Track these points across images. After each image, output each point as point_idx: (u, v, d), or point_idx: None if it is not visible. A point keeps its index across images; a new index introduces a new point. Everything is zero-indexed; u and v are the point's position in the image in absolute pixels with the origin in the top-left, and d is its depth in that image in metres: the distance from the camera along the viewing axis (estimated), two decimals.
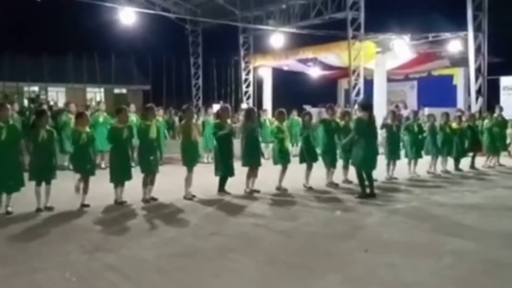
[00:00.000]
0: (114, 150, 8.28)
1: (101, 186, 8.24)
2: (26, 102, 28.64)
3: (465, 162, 12.80)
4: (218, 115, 9.50)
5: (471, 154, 13.01)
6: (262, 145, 12.16)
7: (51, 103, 27.07)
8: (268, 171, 9.69)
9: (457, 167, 12.50)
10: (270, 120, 15.31)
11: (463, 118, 13.13)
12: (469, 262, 5.36)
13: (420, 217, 7.57)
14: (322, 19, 21.44)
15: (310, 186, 9.74)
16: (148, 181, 8.33)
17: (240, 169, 9.18)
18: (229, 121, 9.56)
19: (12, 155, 7.28)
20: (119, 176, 8.07)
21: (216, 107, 20.04)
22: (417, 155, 11.64)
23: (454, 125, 12.49)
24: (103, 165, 11.38)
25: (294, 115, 16.11)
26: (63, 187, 7.83)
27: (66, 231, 6.55)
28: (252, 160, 9.22)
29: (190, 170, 8.66)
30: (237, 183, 9.12)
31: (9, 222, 6.89)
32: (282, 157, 9.58)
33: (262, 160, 9.68)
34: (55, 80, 32.04)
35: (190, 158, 8.68)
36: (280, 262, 5.34)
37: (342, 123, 10.44)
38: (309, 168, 9.86)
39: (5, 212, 7.20)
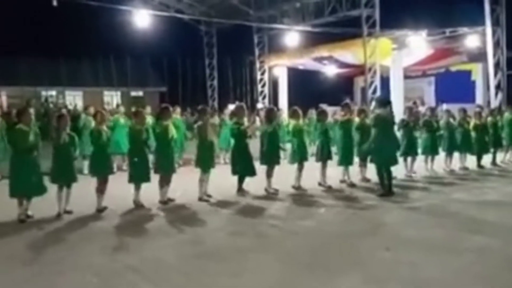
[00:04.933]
0: (132, 152, 8.33)
1: (119, 187, 8.28)
2: (51, 106, 28.94)
3: (486, 159, 12.60)
4: (234, 114, 9.50)
5: (492, 150, 12.79)
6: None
7: (69, 106, 27.36)
8: (285, 170, 9.65)
9: (479, 164, 12.32)
10: (286, 120, 15.24)
11: (483, 114, 12.93)
12: (491, 259, 5.27)
13: (440, 214, 7.47)
14: (336, 16, 21.33)
15: (329, 185, 9.69)
16: (164, 182, 8.36)
17: (257, 169, 9.15)
18: (245, 119, 9.55)
19: (34, 160, 7.34)
20: (138, 178, 8.11)
21: (231, 107, 20.09)
22: (434, 152, 11.51)
23: (474, 121, 12.32)
24: (124, 167, 11.41)
25: (313, 114, 16.00)
26: (82, 190, 7.88)
27: (85, 233, 6.60)
28: (272, 159, 9.21)
29: (204, 172, 8.66)
30: (254, 183, 9.10)
31: (29, 225, 6.95)
32: (299, 156, 9.55)
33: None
34: (72, 84, 32.42)
35: (204, 160, 8.68)
36: (300, 262, 5.30)
37: (357, 120, 10.38)
38: (324, 166, 9.81)
39: (26, 216, 7.25)
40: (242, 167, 8.94)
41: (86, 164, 10.74)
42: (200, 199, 8.53)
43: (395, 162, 9.03)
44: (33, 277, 4.89)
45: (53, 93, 33.51)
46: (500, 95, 18.83)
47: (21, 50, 29.15)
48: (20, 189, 7.19)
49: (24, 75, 28.82)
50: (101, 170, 7.93)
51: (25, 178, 7.17)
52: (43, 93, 32.33)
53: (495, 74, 18.85)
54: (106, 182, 7.89)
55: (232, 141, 9.55)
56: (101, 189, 7.82)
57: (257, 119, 20.57)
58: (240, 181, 9.06)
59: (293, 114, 9.97)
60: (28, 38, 33.09)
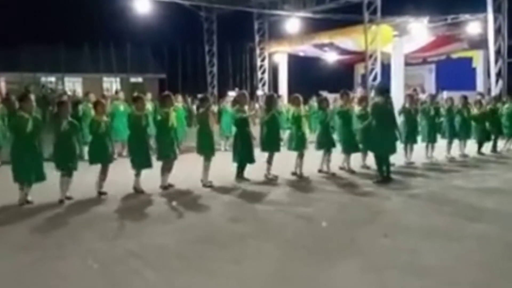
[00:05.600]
0: (133, 138, 8.33)
1: (119, 174, 8.29)
2: (49, 91, 28.84)
3: (485, 146, 12.61)
4: (236, 102, 9.51)
5: (492, 137, 12.80)
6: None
7: (69, 93, 27.29)
8: (285, 157, 9.66)
9: (479, 151, 12.34)
10: (285, 107, 15.23)
11: (483, 102, 12.93)
12: (491, 246, 5.29)
13: (440, 201, 7.50)
14: (338, 3, 21.21)
15: (332, 172, 9.72)
16: (166, 168, 8.37)
17: (258, 155, 9.16)
18: (246, 107, 9.55)
19: (35, 147, 7.32)
20: (141, 163, 8.11)
21: (231, 94, 20.04)
22: (434, 139, 11.50)
23: (475, 109, 12.31)
24: (124, 154, 11.41)
25: (314, 101, 15.97)
26: (82, 177, 7.89)
27: (86, 219, 6.61)
28: (273, 145, 9.22)
29: (207, 159, 8.68)
30: (254, 169, 9.12)
31: (30, 211, 6.97)
32: (299, 143, 9.56)
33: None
34: (72, 70, 32.27)
35: (206, 147, 8.70)
36: (300, 248, 5.33)
37: (359, 108, 10.37)
38: (327, 154, 9.81)
39: (25, 201, 7.26)
40: (243, 154, 8.96)
41: (86, 149, 10.76)
42: (204, 185, 8.57)
43: (393, 150, 9.03)
44: (34, 262, 4.91)
45: (53, 79, 33.40)
46: (500, 83, 18.79)
47: (20, 36, 29.02)
48: (22, 175, 7.21)
49: (23, 61, 28.70)
50: (99, 158, 7.92)
51: (25, 164, 7.18)
52: (43, 79, 32.23)
53: (496, 61, 18.80)
54: (106, 169, 7.90)
55: (234, 129, 9.54)
56: (102, 177, 7.85)
57: (257, 106, 20.55)
58: (241, 168, 9.07)
59: (293, 101, 9.95)
60: (28, 24, 32.88)
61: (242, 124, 9.01)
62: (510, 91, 17.13)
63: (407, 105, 11.02)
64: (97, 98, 10.24)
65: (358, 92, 16.86)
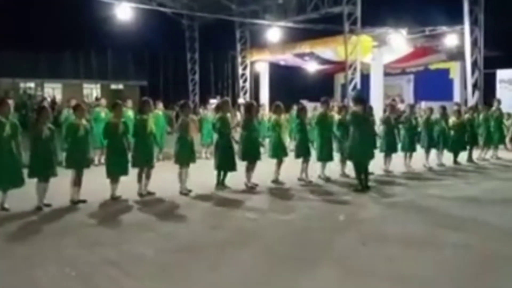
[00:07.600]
0: (110, 146, 8.26)
1: (96, 181, 8.21)
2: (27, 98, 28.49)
3: (461, 155, 12.82)
4: (219, 108, 9.49)
5: (468, 147, 13.01)
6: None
7: (49, 99, 26.99)
8: (265, 165, 9.70)
9: (455, 161, 12.53)
10: (267, 115, 15.28)
11: (462, 112, 13.16)
12: (468, 254, 5.39)
13: (417, 210, 7.60)
14: (318, 13, 21.40)
15: (309, 180, 9.78)
16: (144, 175, 8.34)
17: (238, 163, 9.18)
18: (229, 114, 9.55)
19: (12, 152, 7.21)
20: (116, 171, 8.06)
21: (213, 102, 20.03)
22: (412, 149, 11.65)
23: (454, 119, 12.52)
24: (102, 161, 11.30)
25: (295, 109, 16.05)
26: (60, 184, 7.80)
27: (63, 227, 6.55)
28: (252, 154, 9.22)
29: (183, 166, 8.65)
30: (234, 177, 9.13)
31: (6, 218, 6.86)
32: (279, 151, 9.61)
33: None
34: (52, 76, 31.98)
35: (183, 155, 8.66)
36: (278, 255, 5.36)
37: (338, 117, 10.47)
38: (305, 162, 9.88)
39: (1, 208, 7.15)
40: (225, 162, 8.95)
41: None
42: (181, 192, 8.54)
43: (371, 157, 9.13)
44: (10, 270, 4.85)
45: (32, 85, 33.04)
46: (477, 94, 19.11)
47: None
48: None
49: (2, 66, 28.36)
50: (76, 163, 7.83)
51: (2, 170, 7.07)
52: (22, 84, 31.86)
53: (473, 72, 19.12)
54: (81, 175, 7.82)
55: (215, 136, 9.53)
56: (76, 182, 7.75)
57: (238, 114, 20.57)
58: (221, 175, 9.06)
59: (275, 109, 10.02)
60: (7, 29, 32.48)
61: (223, 132, 9.00)
62: (486, 102, 17.41)
63: (388, 114, 11.16)
64: (77, 102, 10.15)
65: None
